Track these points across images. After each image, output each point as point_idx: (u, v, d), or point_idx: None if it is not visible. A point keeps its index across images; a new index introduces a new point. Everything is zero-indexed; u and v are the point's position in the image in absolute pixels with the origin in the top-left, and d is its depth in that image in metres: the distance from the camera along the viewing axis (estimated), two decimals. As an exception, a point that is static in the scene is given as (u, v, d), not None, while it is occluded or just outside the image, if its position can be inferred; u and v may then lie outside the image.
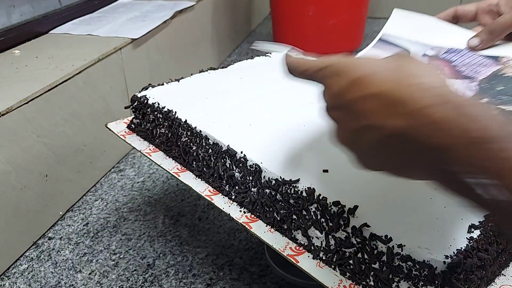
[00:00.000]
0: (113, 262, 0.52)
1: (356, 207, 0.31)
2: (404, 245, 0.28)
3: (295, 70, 0.29)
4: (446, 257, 0.27)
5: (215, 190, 0.41)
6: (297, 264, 0.32)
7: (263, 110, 0.46)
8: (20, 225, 0.53)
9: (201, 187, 0.42)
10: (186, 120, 0.44)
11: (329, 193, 0.33)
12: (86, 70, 0.61)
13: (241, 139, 0.40)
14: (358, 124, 0.23)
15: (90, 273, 0.50)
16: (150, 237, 0.55)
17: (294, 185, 0.34)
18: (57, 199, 0.58)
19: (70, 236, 0.56)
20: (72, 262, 0.52)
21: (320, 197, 0.32)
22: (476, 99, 0.21)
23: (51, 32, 0.75)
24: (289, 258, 0.33)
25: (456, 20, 0.46)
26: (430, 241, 0.28)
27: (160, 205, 0.61)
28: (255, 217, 0.37)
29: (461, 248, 0.28)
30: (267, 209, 0.36)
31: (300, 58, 0.29)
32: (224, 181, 0.40)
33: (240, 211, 0.38)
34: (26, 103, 0.52)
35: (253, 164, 0.37)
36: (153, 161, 0.47)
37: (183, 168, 0.45)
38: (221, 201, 0.39)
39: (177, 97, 0.49)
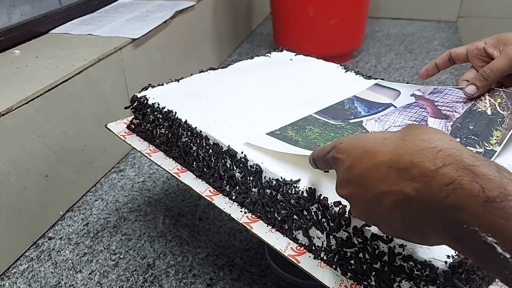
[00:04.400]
0: (113, 262, 0.52)
1: None
2: (406, 245, 0.28)
3: (313, 161, 0.31)
4: (448, 257, 0.27)
5: (215, 190, 0.41)
6: (298, 264, 0.32)
7: (264, 110, 0.46)
8: (20, 225, 0.53)
9: (201, 187, 0.42)
10: (186, 121, 0.44)
11: (330, 193, 0.33)
12: (86, 70, 0.61)
13: (241, 139, 0.40)
14: (371, 194, 0.23)
15: (90, 273, 0.50)
16: (150, 237, 0.55)
17: (295, 185, 0.34)
18: (57, 199, 0.58)
19: (70, 236, 0.56)
20: (72, 262, 0.52)
21: (321, 197, 0.32)
22: (487, 159, 0.21)
23: (51, 32, 0.75)
24: (290, 258, 0.33)
25: (452, 62, 0.47)
26: None
27: (160, 205, 0.61)
28: (256, 218, 0.37)
29: None
30: (268, 209, 0.36)
31: (316, 149, 0.30)
32: (224, 182, 0.40)
33: (241, 211, 0.38)
34: (26, 103, 0.52)
35: (254, 164, 0.37)
36: (153, 162, 0.47)
37: (183, 168, 0.45)
38: (221, 202, 0.39)
39: (177, 98, 0.49)
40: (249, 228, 0.36)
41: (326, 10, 1.00)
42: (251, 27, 1.35)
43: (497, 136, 0.38)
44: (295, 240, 0.35)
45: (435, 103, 0.44)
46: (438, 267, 0.26)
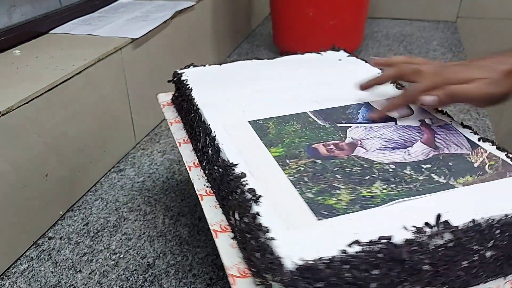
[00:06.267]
0: (113, 262, 0.52)
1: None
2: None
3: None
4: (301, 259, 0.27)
5: (198, 164, 0.44)
6: (216, 239, 0.34)
7: (270, 101, 0.49)
8: (20, 225, 0.53)
9: (189, 158, 0.45)
10: (194, 98, 0.49)
11: (253, 180, 0.36)
12: (86, 70, 0.62)
13: (225, 121, 0.44)
14: None
15: (90, 273, 0.50)
16: (150, 237, 0.56)
17: (233, 167, 0.37)
18: (57, 199, 0.58)
19: (70, 235, 0.56)
20: (72, 262, 0.52)
21: (243, 182, 0.35)
22: None
23: (51, 32, 0.75)
24: (213, 232, 0.35)
25: None
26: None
27: (160, 205, 0.61)
28: (212, 193, 0.40)
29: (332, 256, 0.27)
30: (221, 187, 0.39)
31: None
32: (204, 156, 0.43)
33: (205, 185, 0.41)
34: (26, 103, 0.52)
35: (217, 144, 0.41)
36: (171, 131, 0.51)
37: (188, 140, 0.49)
38: (196, 173, 0.43)
39: (205, 79, 0.54)
40: (200, 199, 0.39)
41: (325, 11, 1.00)
42: (250, 27, 1.35)
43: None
44: (228, 218, 0.36)
45: (435, 135, 0.43)
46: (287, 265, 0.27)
